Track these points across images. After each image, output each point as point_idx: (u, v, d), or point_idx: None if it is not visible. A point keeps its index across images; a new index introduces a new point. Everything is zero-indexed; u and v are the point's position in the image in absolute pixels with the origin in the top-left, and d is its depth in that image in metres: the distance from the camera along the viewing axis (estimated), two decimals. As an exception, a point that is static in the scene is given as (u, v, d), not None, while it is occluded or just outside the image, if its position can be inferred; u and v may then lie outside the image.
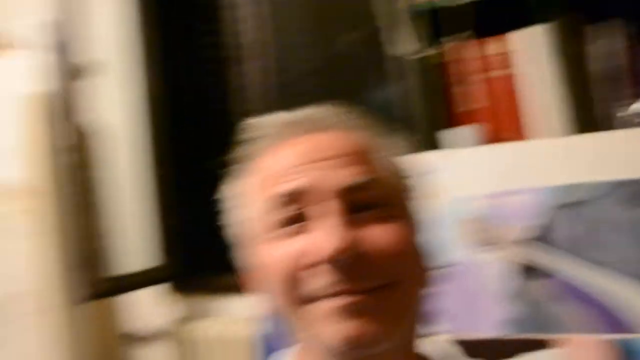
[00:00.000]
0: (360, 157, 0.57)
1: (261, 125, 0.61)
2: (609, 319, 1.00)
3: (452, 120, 1.32)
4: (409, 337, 0.58)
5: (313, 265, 0.52)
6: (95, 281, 1.81)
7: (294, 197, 0.54)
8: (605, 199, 1.05)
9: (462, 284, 1.09)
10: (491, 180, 1.14)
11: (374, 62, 1.60)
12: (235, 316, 1.87)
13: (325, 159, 0.55)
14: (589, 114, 1.25)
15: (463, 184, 1.14)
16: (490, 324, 1.06)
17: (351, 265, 0.51)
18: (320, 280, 0.52)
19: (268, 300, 0.58)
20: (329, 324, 0.51)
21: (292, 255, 0.53)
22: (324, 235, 0.51)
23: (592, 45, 1.27)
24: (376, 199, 0.55)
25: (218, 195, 0.65)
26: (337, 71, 1.71)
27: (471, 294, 1.08)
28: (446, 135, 1.28)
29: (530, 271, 1.06)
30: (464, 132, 1.26)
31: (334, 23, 1.74)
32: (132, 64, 2.05)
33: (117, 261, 1.97)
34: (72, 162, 1.80)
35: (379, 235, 0.53)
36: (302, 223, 0.54)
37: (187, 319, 2.06)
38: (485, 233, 1.10)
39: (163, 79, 2.05)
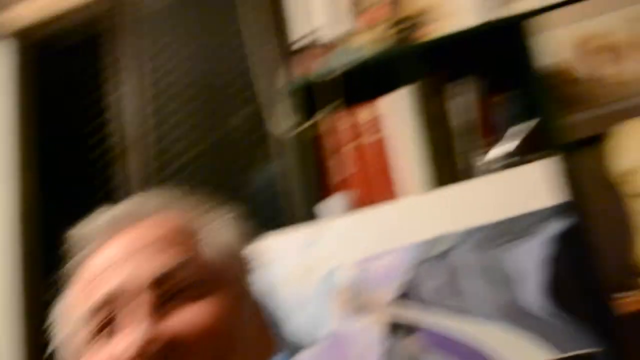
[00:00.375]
0: (176, 239, 0.55)
1: (82, 231, 0.59)
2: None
3: (327, 191, 1.38)
4: None
5: None
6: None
7: (105, 303, 0.52)
8: (460, 248, 1.10)
9: (338, 353, 1.12)
10: (362, 246, 1.18)
11: (257, 142, 1.67)
12: None
13: (139, 250, 0.53)
14: (452, 166, 1.33)
15: (336, 253, 1.18)
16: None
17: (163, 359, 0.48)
18: None
19: None
20: None
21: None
22: (127, 337, 0.49)
23: (450, 102, 1.36)
24: (190, 280, 0.53)
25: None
26: (221, 155, 1.76)
27: (348, 361, 1.11)
28: (321, 206, 1.33)
29: (399, 329, 1.09)
30: (336, 201, 1.31)
31: (217, 109, 1.80)
32: (7, 161, 2.00)
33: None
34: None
35: (188, 318, 0.50)
36: (112, 326, 0.52)
37: None
38: (357, 300, 1.13)
39: (39, 182, 2.00)
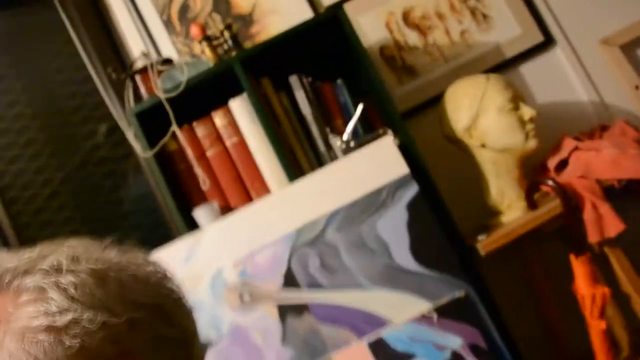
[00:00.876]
0: None
1: None
2: (365, 323, 1.17)
3: (198, 199, 1.44)
4: None
5: None
6: None
7: None
8: (329, 229, 1.22)
9: (240, 348, 1.20)
10: (241, 245, 1.26)
11: (122, 157, 1.68)
12: None
13: None
14: (306, 156, 1.45)
15: (218, 257, 1.25)
16: (275, 372, 1.18)
17: None
18: None
19: None
20: None
21: None
22: None
23: (288, 98, 1.48)
24: None
25: None
26: (88, 177, 1.74)
27: (251, 353, 1.19)
28: (195, 215, 1.39)
29: (291, 312, 1.20)
30: (206, 208, 1.37)
31: (73, 132, 1.76)
32: None
33: None
34: None
35: None
36: None
37: None
38: (247, 294, 1.22)
39: None
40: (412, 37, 1.75)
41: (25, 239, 1.65)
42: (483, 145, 1.42)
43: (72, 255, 0.53)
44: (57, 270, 0.52)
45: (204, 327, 1.20)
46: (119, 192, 1.70)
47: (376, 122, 1.52)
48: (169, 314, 0.55)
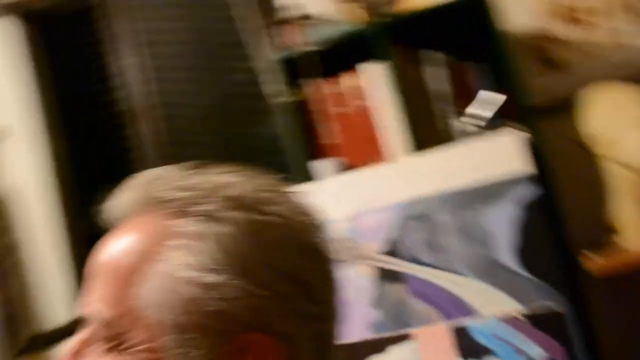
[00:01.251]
0: (107, 276, 0.52)
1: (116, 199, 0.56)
2: (453, 308, 1.21)
3: (319, 152, 1.51)
4: None
5: None
6: (22, 338, 1.90)
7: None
8: (439, 209, 1.25)
9: (331, 297, 1.28)
10: (352, 204, 1.32)
11: (256, 100, 1.79)
12: None
13: (99, 279, 0.52)
14: (431, 132, 1.47)
15: (330, 210, 1.32)
16: (357, 329, 1.25)
17: None
18: None
19: None
20: None
21: None
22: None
23: (425, 72, 1.49)
24: (98, 333, 0.51)
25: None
26: (223, 114, 1.89)
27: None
28: (313, 167, 1.46)
29: (386, 277, 1.26)
30: (326, 163, 1.44)
31: (215, 74, 1.91)
32: (33, 126, 2.15)
33: (42, 317, 2.07)
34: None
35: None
36: None
37: None
38: (348, 250, 1.29)
39: (65, 139, 2.17)
40: (561, 29, 1.67)
41: (164, 156, 1.84)
42: (617, 160, 1.36)
43: (236, 196, 0.52)
44: (219, 217, 0.50)
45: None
46: (250, 129, 1.82)
47: (508, 113, 1.50)
48: (317, 291, 0.54)
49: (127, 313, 0.49)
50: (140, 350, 0.48)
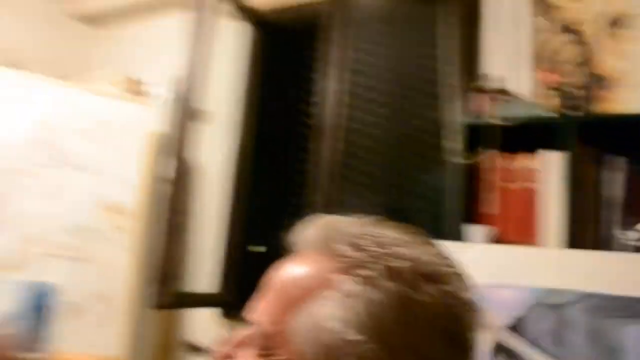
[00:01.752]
0: (276, 296, 0.64)
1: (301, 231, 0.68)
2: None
3: (475, 218, 1.60)
4: None
5: None
6: (167, 294, 2.20)
7: None
8: (575, 305, 1.28)
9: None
10: (491, 274, 1.40)
11: (431, 153, 1.94)
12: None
13: (270, 299, 0.65)
14: (590, 233, 1.49)
15: (470, 273, 1.41)
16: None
17: None
18: None
19: None
20: None
21: None
22: None
23: (599, 175, 1.52)
24: (255, 339, 0.63)
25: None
26: (399, 153, 2.06)
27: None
28: (467, 229, 1.56)
29: (503, 352, 1.31)
30: (480, 230, 1.53)
31: (401, 114, 2.09)
32: (233, 117, 2.49)
33: (187, 280, 2.37)
34: (169, 191, 2.22)
35: None
36: None
37: None
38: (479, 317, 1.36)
39: (255, 134, 2.49)
40: None
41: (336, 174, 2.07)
42: None
43: (397, 268, 0.58)
44: (376, 284, 0.57)
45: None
46: (419, 175, 1.97)
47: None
48: (460, 339, 0.61)
49: (281, 333, 0.60)
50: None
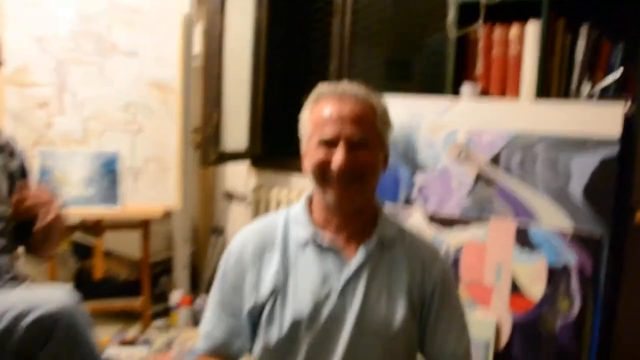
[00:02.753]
0: (363, 121, 1.12)
1: (321, 88, 1.18)
2: (523, 212, 1.74)
3: (468, 77, 2.03)
4: (369, 199, 1.20)
5: (332, 166, 1.10)
6: (211, 153, 2.69)
7: (330, 139, 1.11)
8: (540, 144, 1.74)
9: (441, 182, 1.85)
10: (478, 121, 1.84)
11: (434, 22, 2.33)
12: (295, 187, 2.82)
13: (346, 120, 1.11)
14: (557, 88, 1.91)
15: (460, 121, 1.86)
16: (452, 208, 1.83)
17: (345, 171, 1.10)
18: (332, 173, 1.11)
19: (309, 175, 1.16)
20: (332, 193, 1.12)
21: (322, 159, 1.11)
22: (338, 157, 1.10)
23: (567, 40, 1.91)
24: (364, 142, 1.12)
25: (298, 111, 1.27)
26: (405, 21, 2.45)
27: (445, 188, 1.84)
28: (462, 86, 1.98)
29: (483, 179, 1.80)
30: (470, 86, 1.95)
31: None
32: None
33: (227, 141, 2.86)
34: (204, 66, 2.62)
35: (361, 159, 1.11)
36: (329, 148, 1.12)
37: (261, 187, 3.02)
38: (463, 154, 1.83)
39: (277, 17, 2.85)
40: None
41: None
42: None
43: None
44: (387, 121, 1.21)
45: (429, 157, 1.88)
46: (423, 41, 2.39)
47: (630, 88, 1.89)
48: None
49: (374, 134, 1.15)
50: (376, 152, 1.16)
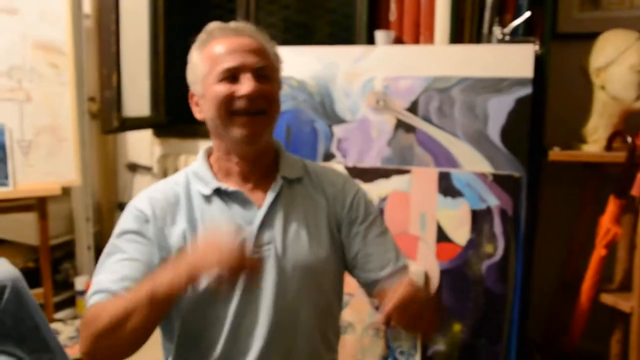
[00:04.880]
0: (262, 52, 1.14)
1: (212, 26, 1.17)
2: (444, 159, 1.80)
3: (381, 25, 2.05)
4: (270, 139, 1.21)
5: (239, 97, 1.10)
6: (114, 119, 2.57)
7: (234, 69, 1.11)
8: (456, 87, 1.80)
9: (360, 132, 1.88)
10: (393, 68, 1.87)
11: None
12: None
13: (246, 51, 1.12)
14: (473, 29, 1.98)
15: (376, 69, 1.89)
16: (373, 159, 1.86)
17: (254, 99, 1.10)
18: (241, 104, 1.10)
19: (207, 118, 1.15)
20: (241, 127, 1.12)
21: (230, 90, 1.11)
22: (247, 85, 1.10)
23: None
24: (266, 72, 1.14)
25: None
26: None
27: (365, 139, 1.87)
28: (375, 33, 2.00)
29: (403, 127, 1.84)
30: (385, 34, 1.98)
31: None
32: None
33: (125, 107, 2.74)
34: (97, 20, 2.48)
35: (266, 88, 1.13)
36: (233, 80, 1.12)
37: (167, 156, 2.94)
38: (381, 102, 1.86)
39: None
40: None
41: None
42: (602, 88, 1.88)
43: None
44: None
45: (347, 108, 1.89)
46: None
47: (537, 31, 1.99)
48: None
49: (272, 64, 1.17)
50: (277, 82, 1.18)
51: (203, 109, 1.16)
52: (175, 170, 2.86)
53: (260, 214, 1.14)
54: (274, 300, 1.11)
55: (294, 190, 1.20)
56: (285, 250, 1.14)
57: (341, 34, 2.56)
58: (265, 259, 1.12)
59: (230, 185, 1.16)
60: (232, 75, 1.11)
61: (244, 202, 1.15)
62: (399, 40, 2.02)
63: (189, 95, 1.19)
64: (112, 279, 1.05)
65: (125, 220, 1.14)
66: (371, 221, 1.21)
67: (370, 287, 1.19)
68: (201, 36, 1.17)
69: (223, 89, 1.11)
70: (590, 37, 2.03)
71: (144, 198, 1.16)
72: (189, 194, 1.17)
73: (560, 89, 2.02)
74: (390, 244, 1.22)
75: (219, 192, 1.16)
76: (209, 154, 1.22)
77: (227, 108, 1.11)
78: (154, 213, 1.13)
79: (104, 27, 2.43)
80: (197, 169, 1.20)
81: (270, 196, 1.16)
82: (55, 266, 2.93)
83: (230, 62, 1.11)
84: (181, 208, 1.15)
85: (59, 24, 2.50)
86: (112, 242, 1.13)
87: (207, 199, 1.16)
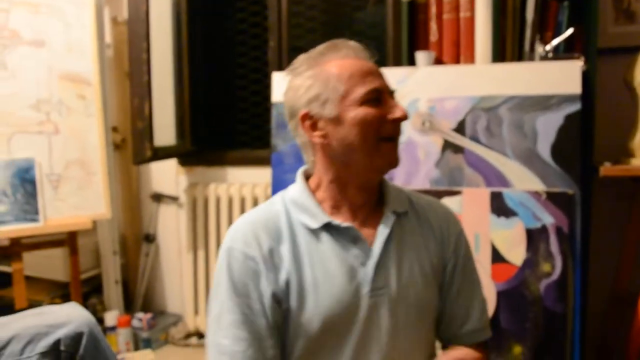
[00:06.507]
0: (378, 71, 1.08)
1: (331, 43, 1.10)
2: (495, 178, 1.84)
3: (423, 45, 2.11)
4: None
5: (390, 121, 1.05)
6: (144, 150, 2.62)
7: (378, 90, 1.05)
8: (503, 106, 1.85)
9: (407, 154, 1.92)
10: (438, 89, 1.92)
11: None
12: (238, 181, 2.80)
13: (378, 73, 1.07)
14: (514, 49, 2.03)
15: (421, 90, 1.94)
16: (421, 181, 1.90)
17: (399, 125, 1.07)
18: (390, 129, 1.05)
19: (336, 143, 1.05)
20: (387, 154, 1.06)
21: (380, 114, 1.04)
22: (399, 109, 1.06)
23: (518, 2, 2.03)
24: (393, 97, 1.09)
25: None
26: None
27: (412, 161, 1.91)
28: (416, 54, 2.06)
29: (451, 147, 1.88)
30: (426, 54, 2.03)
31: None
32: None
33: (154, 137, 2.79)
34: (129, 49, 2.53)
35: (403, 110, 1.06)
36: (377, 102, 1.05)
37: (195, 185, 2.98)
38: (427, 123, 1.91)
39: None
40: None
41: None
42: (650, 104, 1.93)
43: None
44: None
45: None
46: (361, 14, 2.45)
47: (577, 47, 2.05)
48: None
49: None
50: None
51: (332, 133, 1.05)
52: (205, 199, 2.91)
53: (374, 253, 1.08)
54: (387, 347, 1.07)
55: (403, 226, 1.13)
56: (399, 293, 1.08)
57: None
58: (379, 304, 1.07)
59: (339, 219, 1.08)
60: (376, 98, 1.04)
61: (355, 239, 1.08)
62: (438, 61, 2.08)
63: (302, 116, 1.07)
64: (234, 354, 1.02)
65: (231, 270, 1.05)
66: (470, 268, 1.20)
67: (443, 335, 1.20)
68: (325, 50, 1.09)
69: (373, 112, 1.03)
70: (628, 52, 2.09)
71: (246, 235, 1.06)
72: (292, 227, 1.08)
73: (605, 104, 2.08)
74: (477, 299, 1.20)
75: (327, 227, 1.07)
76: (306, 176, 1.15)
77: (375, 133, 1.04)
78: (262, 254, 1.05)
79: (135, 57, 2.48)
80: (298, 197, 1.11)
81: (382, 233, 1.09)
82: (83, 301, 2.95)
83: (375, 83, 1.04)
84: (285, 242, 1.06)
85: (84, 55, 2.56)
86: (224, 301, 1.04)
87: (314, 233, 1.08)
